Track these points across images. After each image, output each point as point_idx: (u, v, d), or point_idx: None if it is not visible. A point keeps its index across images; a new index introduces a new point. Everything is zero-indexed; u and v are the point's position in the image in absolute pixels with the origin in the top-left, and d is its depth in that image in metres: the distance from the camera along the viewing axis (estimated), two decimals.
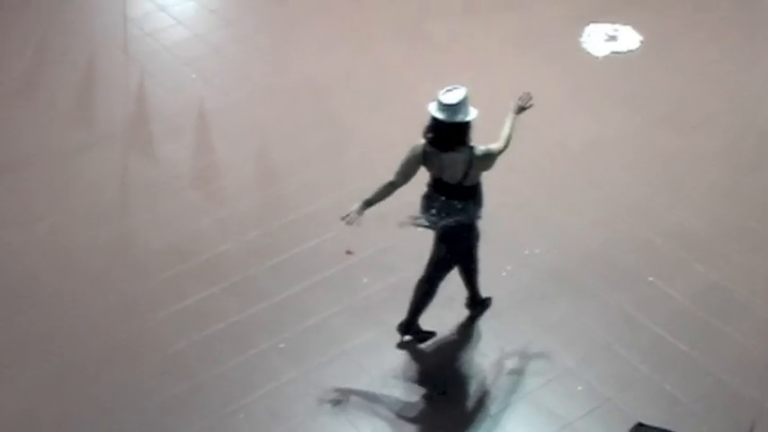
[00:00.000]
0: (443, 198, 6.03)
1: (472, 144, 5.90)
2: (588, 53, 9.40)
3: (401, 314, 6.56)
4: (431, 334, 6.65)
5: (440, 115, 5.81)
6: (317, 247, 7.33)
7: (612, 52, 9.37)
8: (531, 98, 6.24)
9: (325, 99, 8.86)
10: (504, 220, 7.26)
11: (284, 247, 7.32)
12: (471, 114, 5.85)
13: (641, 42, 9.49)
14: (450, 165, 5.92)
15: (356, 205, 6.05)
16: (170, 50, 9.49)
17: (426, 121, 5.94)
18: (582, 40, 9.55)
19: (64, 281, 7.08)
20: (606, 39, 9.49)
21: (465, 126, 5.85)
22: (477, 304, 6.81)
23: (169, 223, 7.55)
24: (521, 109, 6.26)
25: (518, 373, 6.41)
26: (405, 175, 6.04)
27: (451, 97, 5.81)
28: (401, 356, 6.53)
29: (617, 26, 9.68)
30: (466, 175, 5.91)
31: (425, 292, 6.44)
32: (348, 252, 7.27)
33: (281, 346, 6.59)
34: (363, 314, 6.81)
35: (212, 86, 9.02)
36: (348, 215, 6.05)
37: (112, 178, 8.02)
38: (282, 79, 9.12)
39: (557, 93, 8.77)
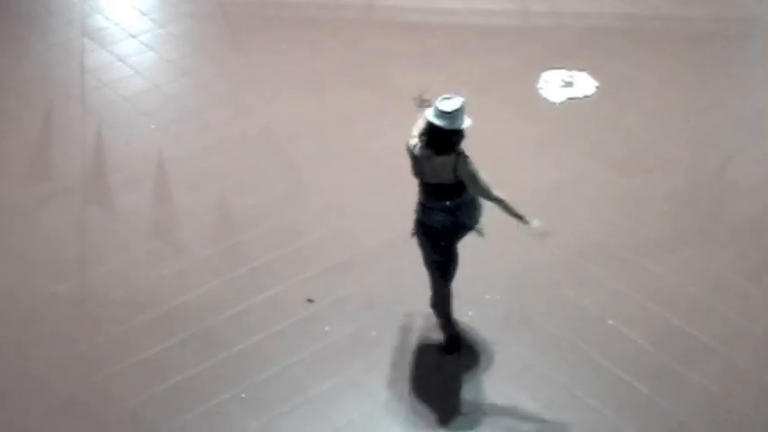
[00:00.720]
0: (445, 200, 6.35)
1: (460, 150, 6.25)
2: (545, 99, 9.52)
3: (363, 362, 6.56)
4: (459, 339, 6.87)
5: (438, 122, 6.14)
6: (278, 295, 7.33)
7: (569, 98, 9.50)
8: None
9: (283, 148, 8.90)
10: (465, 264, 7.29)
11: (244, 296, 7.32)
12: (466, 122, 6.21)
13: (597, 87, 9.64)
14: (440, 167, 6.22)
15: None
16: (129, 101, 9.51)
17: (423, 127, 6.28)
18: (539, 86, 9.67)
19: (20, 335, 7.02)
20: (562, 85, 9.63)
21: (460, 133, 6.20)
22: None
23: (128, 274, 7.53)
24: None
25: (477, 422, 6.40)
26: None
27: (449, 105, 6.15)
28: (363, 404, 6.52)
29: (573, 72, 9.82)
30: (455, 174, 6.22)
31: (443, 298, 6.73)
32: (309, 300, 7.27)
33: (243, 396, 6.57)
34: (325, 363, 6.80)
35: (171, 136, 9.04)
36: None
37: (71, 230, 7.99)
38: (241, 128, 9.16)
39: (515, 138, 8.87)
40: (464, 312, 7.11)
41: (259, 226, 7.98)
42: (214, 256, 7.71)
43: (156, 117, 9.30)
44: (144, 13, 10.95)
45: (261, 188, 8.40)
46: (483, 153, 8.16)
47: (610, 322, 7.10)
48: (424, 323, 7.06)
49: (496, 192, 6.27)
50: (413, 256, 7.57)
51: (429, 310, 6.94)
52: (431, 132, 6.21)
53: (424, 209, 6.49)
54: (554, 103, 9.43)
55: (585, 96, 9.56)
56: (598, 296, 7.33)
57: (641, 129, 9.15)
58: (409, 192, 8.31)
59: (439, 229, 6.45)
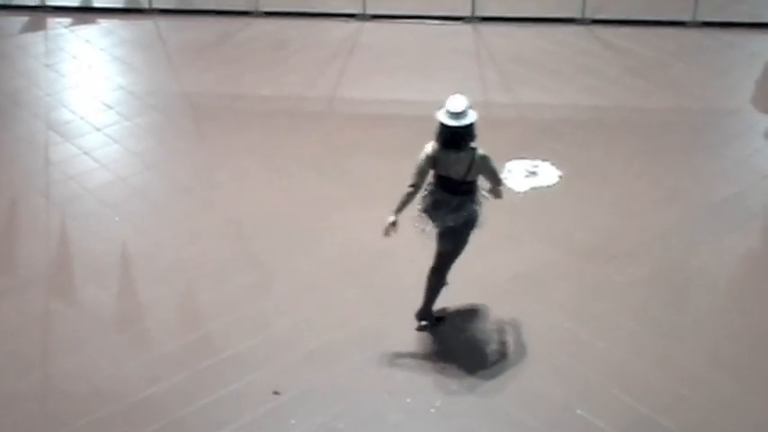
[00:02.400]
0: (455, 195, 7.31)
1: (474, 146, 7.20)
2: (509, 189, 9.68)
3: None
4: (442, 319, 7.87)
5: (451, 122, 7.10)
6: (244, 387, 7.35)
7: (533, 187, 9.69)
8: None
9: (250, 239, 9.00)
10: (438, 353, 7.38)
11: (211, 388, 7.33)
12: (473, 116, 7.14)
13: (560, 177, 9.85)
14: (456, 162, 7.17)
15: (389, 218, 7.25)
16: (93, 193, 9.60)
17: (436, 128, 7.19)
18: (503, 176, 9.83)
19: None
20: (527, 174, 9.83)
21: (471, 127, 7.14)
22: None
23: (92, 368, 7.53)
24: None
25: None
26: (421, 175, 7.32)
27: (458, 105, 7.10)
28: None
29: (537, 162, 10.03)
30: (468, 171, 7.20)
31: (437, 281, 7.68)
32: (275, 392, 7.30)
33: None
34: None
35: (136, 229, 9.12)
36: (386, 229, 7.27)
37: (34, 324, 8.00)
38: (207, 220, 9.26)
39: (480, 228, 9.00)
40: (430, 404, 7.17)
41: (226, 317, 8.03)
42: (180, 349, 7.73)
43: (121, 209, 9.38)
44: (109, 107, 11.11)
45: (227, 279, 8.47)
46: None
47: (578, 411, 7.18)
48: (395, 416, 7.11)
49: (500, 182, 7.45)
50: (381, 346, 7.66)
51: (404, 400, 7.07)
52: (445, 133, 7.14)
53: (466, 204, 7.38)
54: (518, 193, 9.61)
55: (549, 186, 9.77)
56: (565, 385, 7.41)
57: (605, 218, 9.34)
58: (375, 281, 8.44)
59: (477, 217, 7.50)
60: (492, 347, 7.77)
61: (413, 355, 7.65)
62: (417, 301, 7.85)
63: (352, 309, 8.11)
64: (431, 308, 7.84)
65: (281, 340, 7.82)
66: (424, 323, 7.84)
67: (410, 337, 7.81)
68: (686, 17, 13.10)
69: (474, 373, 7.51)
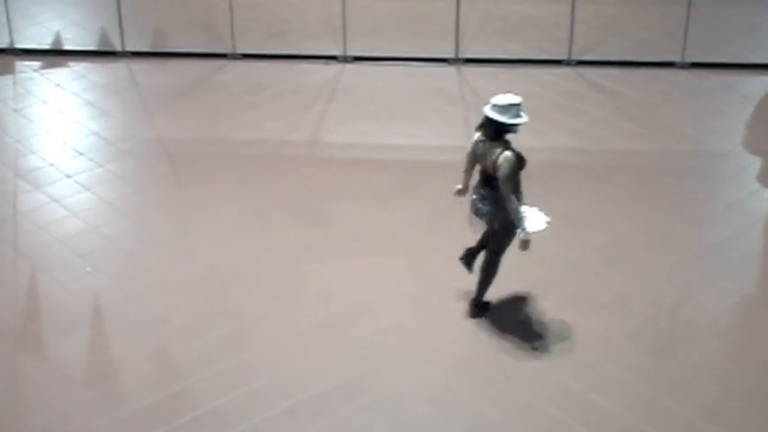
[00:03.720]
0: (492, 190, 8.01)
1: (508, 145, 7.93)
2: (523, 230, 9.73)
3: None
4: (488, 304, 8.65)
5: (487, 110, 7.91)
6: None
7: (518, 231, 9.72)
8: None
9: (227, 290, 9.01)
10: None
11: None
12: (511, 119, 7.86)
13: (548, 223, 9.87)
14: (489, 153, 7.92)
15: (456, 187, 8.42)
16: (63, 243, 9.60)
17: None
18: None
19: None
20: None
21: (502, 125, 7.88)
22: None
23: (63, 425, 7.50)
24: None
25: None
26: (468, 159, 8.26)
27: (502, 99, 7.88)
28: None
29: (524, 207, 10.06)
30: (494, 167, 7.87)
31: (488, 274, 8.46)
32: None
33: None
34: None
35: (109, 279, 9.12)
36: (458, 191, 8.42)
37: (1, 380, 7.97)
38: (183, 270, 9.26)
39: (467, 277, 9.03)
40: None
41: (203, 371, 8.02)
42: (154, 405, 7.71)
43: (93, 260, 9.38)
44: (81, 153, 11.14)
45: (204, 332, 8.47)
46: (439, 293, 8.39)
47: None
48: None
49: (511, 197, 7.88)
50: (364, 400, 7.66)
51: None
52: (484, 123, 7.98)
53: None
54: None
55: (537, 232, 9.80)
56: None
57: (595, 265, 9.40)
58: (360, 332, 8.46)
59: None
60: (478, 410, 7.79)
61: (397, 407, 7.66)
62: (401, 351, 7.87)
63: (334, 361, 8.12)
64: (482, 297, 8.57)
65: (261, 394, 7.81)
66: (477, 310, 8.59)
67: (393, 389, 7.82)
68: (675, 58, 13.27)
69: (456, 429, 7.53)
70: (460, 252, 8.69)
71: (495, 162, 7.90)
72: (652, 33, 14.03)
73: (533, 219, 9.17)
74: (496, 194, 8.01)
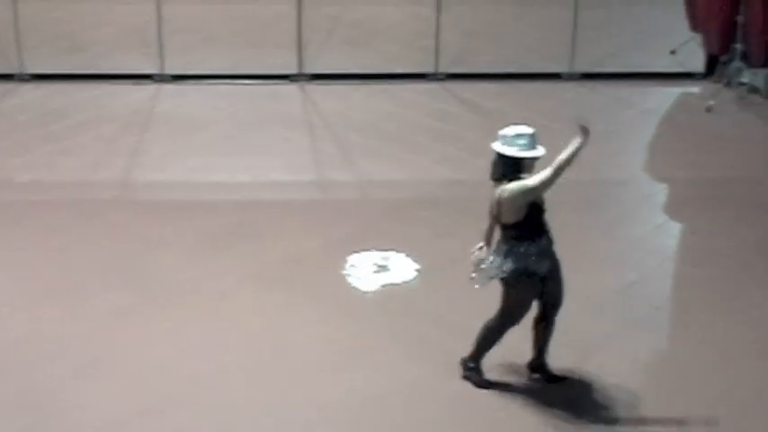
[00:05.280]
0: (505, 240, 8.13)
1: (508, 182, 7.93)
2: (355, 289, 9.74)
3: None
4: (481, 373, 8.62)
5: (500, 148, 7.94)
6: None
7: (384, 285, 9.76)
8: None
9: (24, 371, 8.75)
10: None
11: None
12: (512, 151, 7.89)
13: (417, 271, 9.96)
14: (493, 195, 8.02)
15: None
16: None
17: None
18: (345, 272, 9.92)
19: None
20: (375, 270, 9.91)
21: (504, 158, 7.93)
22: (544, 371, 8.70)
23: None
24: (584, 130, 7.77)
25: None
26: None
27: (509, 131, 7.93)
28: None
29: (387, 254, 10.13)
30: (498, 209, 8.02)
31: (490, 336, 8.52)
32: None
33: None
34: None
35: None
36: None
37: None
38: None
39: (320, 343, 8.95)
40: None
41: None
42: None
43: None
44: None
45: None
46: (278, 367, 8.34)
47: None
48: None
49: (548, 171, 7.83)
50: None
51: None
52: (496, 161, 8.03)
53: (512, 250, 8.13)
54: (365, 293, 9.67)
55: (404, 283, 9.86)
56: None
57: (477, 321, 9.45)
58: (192, 413, 8.34)
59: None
60: None
61: None
62: None
63: None
64: (479, 358, 8.59)
65: None
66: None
67: None
68: (562, 69, 13.53)
69: None
70: (313, 313, 8.65)
71: (497, 201, 8.03)
72: (534, 40, 14.33)
73: (398, 267, 9.26)
74: (506, 235, 8.16)
